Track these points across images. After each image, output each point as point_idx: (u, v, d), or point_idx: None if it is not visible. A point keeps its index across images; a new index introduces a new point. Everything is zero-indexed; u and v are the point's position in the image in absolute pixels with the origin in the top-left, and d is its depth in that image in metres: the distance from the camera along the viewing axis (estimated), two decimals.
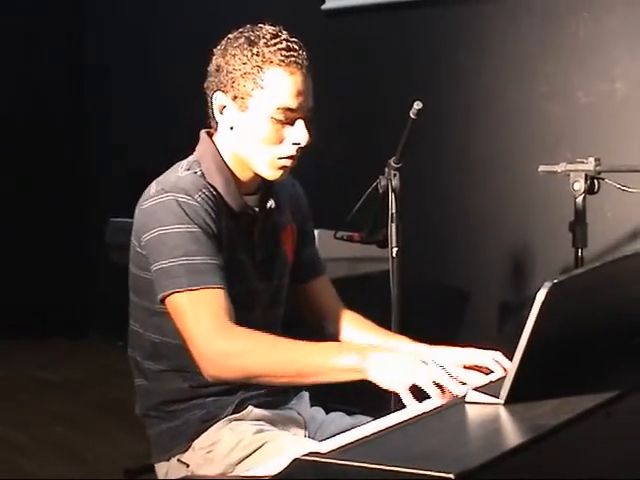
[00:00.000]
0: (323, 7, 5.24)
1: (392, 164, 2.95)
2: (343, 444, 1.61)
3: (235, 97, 2.28)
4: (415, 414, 1.80)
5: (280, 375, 2.16)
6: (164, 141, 6.27)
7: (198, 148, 2.40)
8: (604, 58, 4.18)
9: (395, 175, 2.94)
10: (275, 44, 2.26)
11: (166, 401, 2.37)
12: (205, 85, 2.36)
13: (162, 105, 6.36)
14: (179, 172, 2.31)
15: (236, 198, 2.33)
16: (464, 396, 1.88)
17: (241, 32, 2.31)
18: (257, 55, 2.25)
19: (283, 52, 2.25)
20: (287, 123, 2.27)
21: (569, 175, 3.28)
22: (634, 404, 1.88)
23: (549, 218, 4.25)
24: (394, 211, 2.94)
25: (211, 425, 2.32)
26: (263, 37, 2.27)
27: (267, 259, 2.42)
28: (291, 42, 2.28)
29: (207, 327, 2.14)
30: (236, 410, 2.33)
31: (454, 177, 4.74)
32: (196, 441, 2.32)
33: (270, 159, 2.30)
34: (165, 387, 2.37)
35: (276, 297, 2.47)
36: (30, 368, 6.23)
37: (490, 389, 1.86)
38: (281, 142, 2.28)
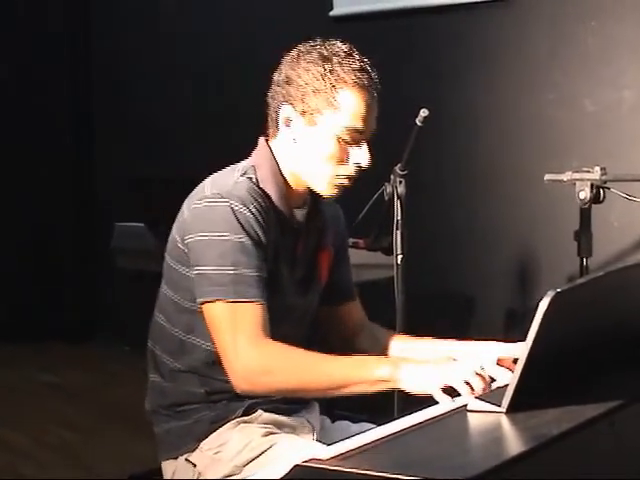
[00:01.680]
0: (331, 13, 5.24)
1: (398, 171, 2.95)
2: (344, 451, 1.61)
3: (304, 112, 2.27)
4: (417, 422, 1.80)
5: (313, 390, 2.22)
6: (172, 147, 6.28)
7: (255, 153, 2.38)
8: (612, 67, 4.18)
9: (401, 182, 2.94)
10: (349, 63, 2.26)
11: (178, 402, 2.37)
12: (270, 94, 2.34)
13: (172, 111, 6.36)
14: (235, 177, 2.29)
15: (286, 210, 2.33)
16: (465, 404, 1.88)
17: (313, 46, 2.31)
18: (331, 73, 2.24)
19: (357, 73, 2.25)
20: (352, 144, 2.28)
21: (575, 184, 3.27)
22: (637, 414, 1.88)
23: (554, 227, 4.25)
24: (399, 218, 2.94)
25: (220, 426, 2.32)
26: (337, 55, 2.27)
27: (305, 276, 2.42)
28: (364, 62, 2.29)
29: (243, 342, 2.16)
30: (245, 413, 2.33)
31: (459, 184, 4.74)
32: (204, 442, 2.32)
33: (329, 177, 2.29)
34: (180, 388, 2.36)
35: (305, 316, 2.48)
36: (33, 371, 6.21)
37: (492, 397, 1.86)
38: (343, 162, 2.28)
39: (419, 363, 2.16)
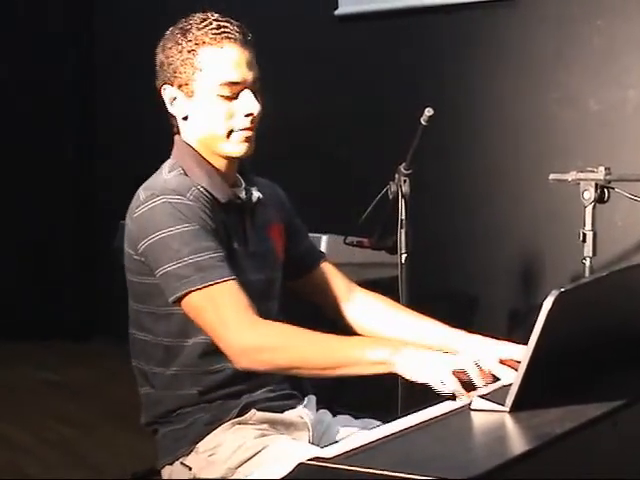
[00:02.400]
0: (336, 12, 5.24)
1: (402, 170, 2.95)
2: (348, 449, 1.61)
3: (180, 85, 2.32)
4: (420, 420, 1.80)
5: (311, 367, 2.20)
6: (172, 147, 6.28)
7: (174, 152, 2.42)
8: (617, 66, 4.18)
9: (405, 181, 2.95)
10: (205, 26, 2.31)
11: (172, 408, 2.37)
12: (156, 86, 2.39)
13: None
14: (164, 175, 2.33)
15: (223, 189, 2.34)
16: (470, 403, 1.88)
17: (175, 26, 2.37)
18: (187, 39, 2.30)
19: (214, 30, 2.30)
20: (234, 97, 2.30)
21: (579, 183, 3.27)
22: None
23: (559, 226, 4.25)
24: (404, 217, 2.95)
25: (215, 428, 2.32)
26: (194, 23, 2.33)
27: (259, 251, 2.42)
28: (221, 21, 2.33)
29: (233, 321, 2.16)
30: (240, 413, 2.33)
31: (464, 184, 4.74)
32: (199, 444, 2.32)
33: (227, 135, 2.31)
34: (173, 393, 2.36)
35: (269, 290, 2.46)
36: (34, 369, 6.22)
37: (496, 396, 1.86)
38: (233, 117, 2.30)
39: (421, 350, 2.12)
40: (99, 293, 7.18)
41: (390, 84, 5.03)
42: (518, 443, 1.73)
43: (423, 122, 2.88)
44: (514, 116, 4.54)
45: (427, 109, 2.85)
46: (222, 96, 2.29)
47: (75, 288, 7.15)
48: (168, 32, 2.37)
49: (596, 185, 3.24)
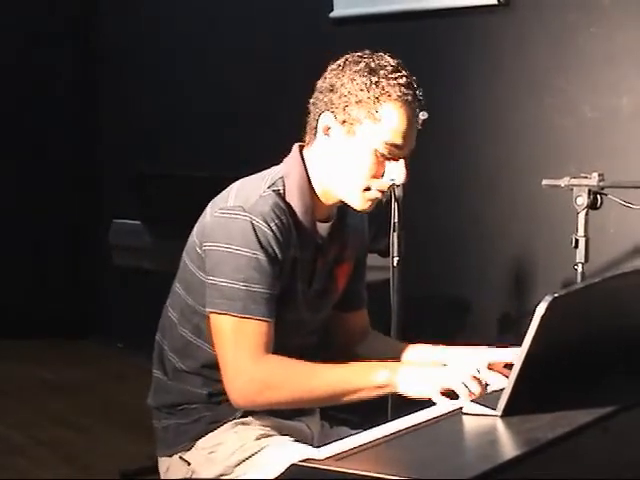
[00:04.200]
0: (331, 15, 5.24)
1: None
2: (340, 451, 1.61)
3: (344, 121, 2.24)
4: (412, 423, 1.81)
5: (313, 400, 2.27)
6: (173, 144, 6.28)
7: (286, 162, 2.36)
8: (612, 73, 4.18)
9: (398, 185, 2.94)
10: (396, 78, 2.24)
11: (179, 401, 2.38)
12: (312, 100, 2.32)
13: (174, 108, 6.36)
14: (262, 190, 2.26)
15: (310, 225, 2.31)
16: (461, 407, 1.89)
17: (361, 56, 2.28)
18: (376, 85, 2.22)
19: (403, 88, 2.23)
20: (389, 158, 2.25)
21: (572, 189, 3.27)
22: (631, 420, 1.88)
23: (551, 232, 4.25)
24: (396, 220, 2.95)
25: (218, 427, 2.33)
26: (384, 68, 2.25)
27: (321, 291, 2.42)
28: (410, 79, 2.27)
29: (244, 360, 2.17)
30: (244, 415, 2.34)
31: (457, 188, 4.74)
32: (200, 441, 2.33)
33: (363, 190, 2.27)
34: (182, 387, 2.37)
35: (316, 327, 2.48)
36: (28, 368, 6.22)
37: (487, 401, 1.87)
38: (378, 176, 2.26)
39: (417, 367, 2.19)
40: (94, 292, 7.18)
41: None
42: (509, 447, 1.74)
43: (417, 126, 2.88)
44: (509, 121, 4.54)
45: (421, 113, 2.84)
46: (379, 153, 2.23)
47: (71, 287, 7.14)
48: (351, 59, 2.27)
49: (589, 191, 3.24)
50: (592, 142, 4.21)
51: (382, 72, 2.24)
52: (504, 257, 4.53)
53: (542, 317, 1.69)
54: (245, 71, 5.75)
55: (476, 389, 2.02)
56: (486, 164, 4.63)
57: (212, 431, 2.33)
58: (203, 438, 2.33)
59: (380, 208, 2.99)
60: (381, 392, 2.16)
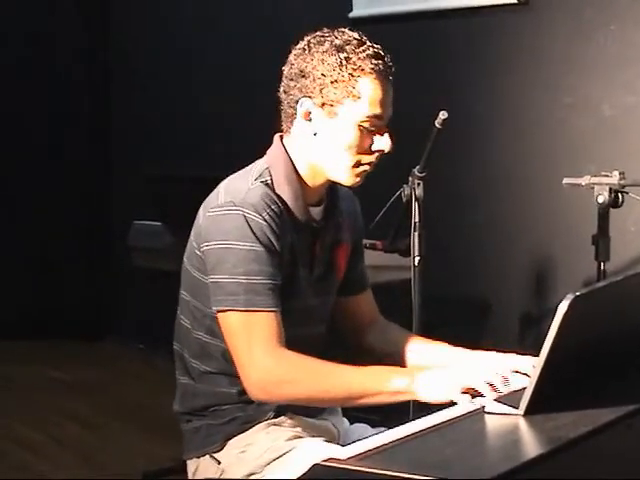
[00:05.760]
0: (350, 15, 5.24)
1: (416, 173, 2.95)
2: (362, 451, 1.62)
3: (324, 104, 2.26)
4: (434, 423, 1.81)
5: (329, 400, 2.27)
6: (189, 145, 6.29)
7: (269, 153, 2.37)
8: (630, 71, 4.17)
9: (419, 184, 2.94)
10: (364, 50, 2.25)
11: (211, 404, 2.38)
12: (282, 89, 2.32)
13: (189, 109, 6.37)
14: (249, 182, 2.27)
15: (302, 210, 2.32)
16: (483, 406, 1.89)
17: (322, 36, 2.29)
18: (347, 61, 2.23)
19: (373, 60, 2.24)
20: (374, 131, 2.27)
21: (593, 188, 3.27)
22: None
23: (572, 230, 4.24)
24: (417, 220, 2.94)
25: (250, 427, 2.33)
26: (349, 43, 2.26)
27: (323, 275, 2.42)
28: (377, 48, 2.28)
29: (258, 352, 2.17)
30: (276, 416, 2.34)
31: (477, 188, 4.73)
32: (231, 440, 2.33)
33: (352, 166, 2.29)
34: (213, 389, 2.37)
35: (323, 313, 2.48)
36: (47, 369, 6.23)
37: (510, 400, 1.87)
38: (365, 150, 2.28)
39: (435, 370, 2.17)
40: (113, 293, 7.20)
41: (402, 87, 5.02)
42: (532, 446, 1.74)
43: (437, 125, 2.87)
44: (527, 120, 4.53)
45: (441, 112, 2.84)
46: (363, 127, 2.25)
47: (87, 288, 7.15)
48: (313, 40, 2.29)
49: (610, 190, 3.23)
50: (611, 140, 4.20)
51: (349, 47, 2.25)
52: (524, 256, 4.52)
53: (564, 316, 1.68)
54: (262, 72, 5.75)
55: (500, 385, 2.02)
56: (506, 163, 4.62)
57: (244, 431, 2.33)
58: (235, 438, 2.33)
59: (400, 208, 3.00)
60: (400, 399, 2.15)
